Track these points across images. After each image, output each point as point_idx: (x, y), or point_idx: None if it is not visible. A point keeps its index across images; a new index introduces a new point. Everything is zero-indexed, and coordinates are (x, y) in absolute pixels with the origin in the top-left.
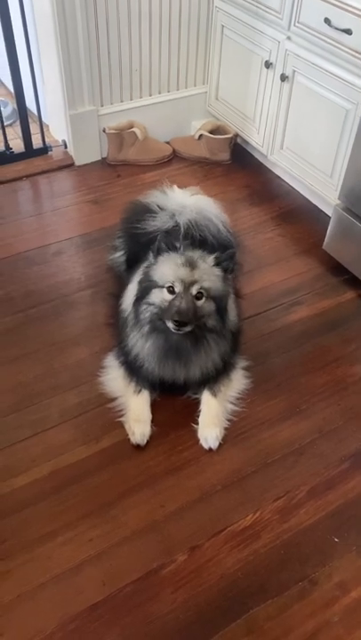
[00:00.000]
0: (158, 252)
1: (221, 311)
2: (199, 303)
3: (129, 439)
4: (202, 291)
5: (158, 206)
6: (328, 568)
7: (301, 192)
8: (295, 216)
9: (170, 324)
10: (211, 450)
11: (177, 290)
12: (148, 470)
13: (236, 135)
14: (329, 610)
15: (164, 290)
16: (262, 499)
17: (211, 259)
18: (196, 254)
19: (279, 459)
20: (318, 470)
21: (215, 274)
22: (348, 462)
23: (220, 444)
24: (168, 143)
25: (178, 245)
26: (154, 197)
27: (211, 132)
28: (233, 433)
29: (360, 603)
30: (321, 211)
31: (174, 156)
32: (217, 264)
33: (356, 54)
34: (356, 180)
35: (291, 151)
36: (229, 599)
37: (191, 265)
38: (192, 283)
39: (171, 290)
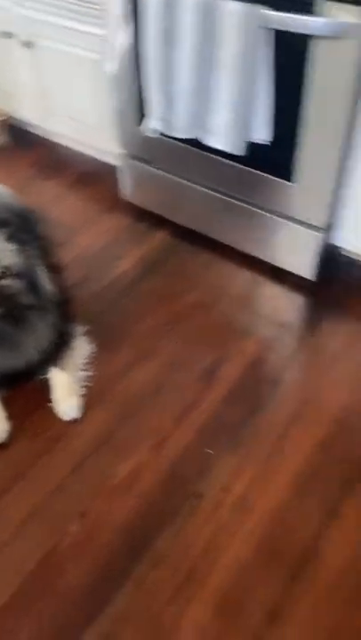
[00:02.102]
0: None
1: (33, 285)
2: (4, 283)
3: None
4: (3, 270)
5: None
6: (209, 478)
7: (88, 153)
8: (90, 178)
9: None
10: (76, 421)
11: None
12: (18, 464)
13: (9, 116)
14: (218, 512)
15: None
16: (134, 444)
17: (1, 236)
18: None
19: (139, 404)
20: (177, 400)
21: (10, 249)
22: (201, 383)
23: (82, 412)
24: None
25: None
26: None
27: None
28: (91, 398)
29: (243, 495)
30: (111, 165)
31: None
32: (10, 238)
33: (88, 5)
34: (125, 124)
35: (63, 116)
36: (129, 544)
37: None
38: None
39: None
